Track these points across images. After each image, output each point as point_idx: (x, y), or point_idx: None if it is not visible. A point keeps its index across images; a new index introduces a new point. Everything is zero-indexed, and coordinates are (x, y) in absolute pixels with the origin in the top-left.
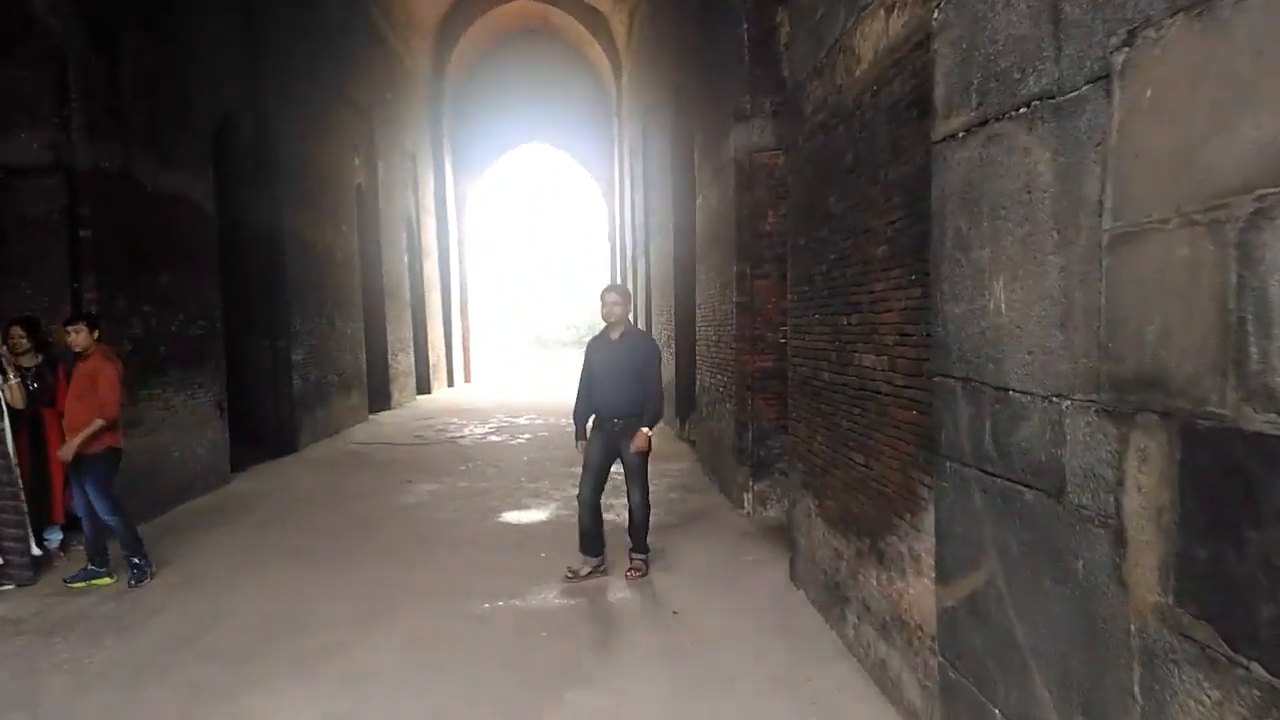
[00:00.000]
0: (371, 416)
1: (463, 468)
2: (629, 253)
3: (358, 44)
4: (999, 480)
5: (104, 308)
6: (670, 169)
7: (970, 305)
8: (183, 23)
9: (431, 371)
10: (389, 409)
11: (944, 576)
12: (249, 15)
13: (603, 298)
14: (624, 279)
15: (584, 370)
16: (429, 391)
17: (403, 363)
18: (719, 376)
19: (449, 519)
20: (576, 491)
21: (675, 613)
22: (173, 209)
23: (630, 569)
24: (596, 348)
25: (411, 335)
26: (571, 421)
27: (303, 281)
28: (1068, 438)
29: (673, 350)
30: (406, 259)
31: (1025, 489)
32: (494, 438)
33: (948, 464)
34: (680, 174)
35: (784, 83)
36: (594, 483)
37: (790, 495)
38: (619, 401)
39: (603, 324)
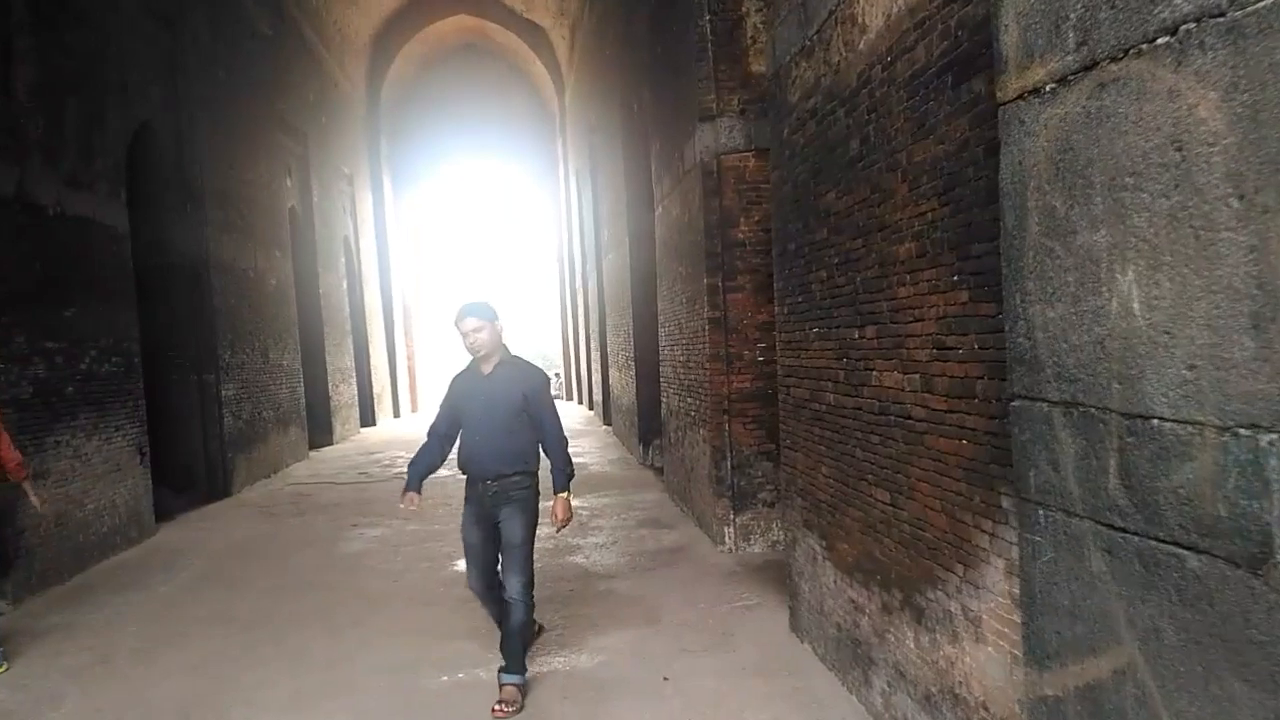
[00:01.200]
0: (312, 453)
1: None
2: (579, 269)
3: (289, 62)
4: (1136, 538)
5: None
6: (623, 181)
7: (1075, 306)
8: (91, 28)
9: (376, 402)
10: (331, 444)
11: (1040, 657)
12: (168, 26)
13: (458, 326)
14: (575, 297)
15: (441, 412)
16: (374, 423)
17: (344, 394)
18: (689, 399)
19: (398, 570)
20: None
21: (666, 679)
22: (81, 233)
23: (498, 702)
24: (463, 383)
25: (353, 364)
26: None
27: (232, 311)
28: (1273, 487)
29: (634, 372)
30: (345, 284)
31: (1188, 552)
32: (443, 472)
33: (1041, 512)
34: (635, 186)
35: (751, 79)
36: (482, 572)
37: (789, 534)
38: (494, 455)
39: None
